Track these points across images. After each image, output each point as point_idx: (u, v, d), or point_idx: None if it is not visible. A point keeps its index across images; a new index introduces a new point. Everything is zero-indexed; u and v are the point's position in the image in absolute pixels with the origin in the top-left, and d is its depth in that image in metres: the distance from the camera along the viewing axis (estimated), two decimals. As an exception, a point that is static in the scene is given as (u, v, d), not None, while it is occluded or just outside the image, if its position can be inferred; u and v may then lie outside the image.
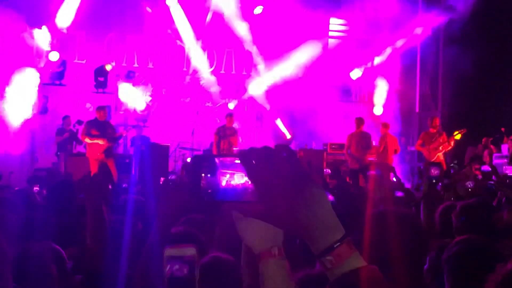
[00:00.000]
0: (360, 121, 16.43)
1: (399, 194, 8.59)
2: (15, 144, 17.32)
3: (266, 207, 1.51)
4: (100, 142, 14.88)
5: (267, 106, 19.89)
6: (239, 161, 1.55)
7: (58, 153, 16.43)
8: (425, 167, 14.48)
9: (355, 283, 1.42)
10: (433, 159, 15.91)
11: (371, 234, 2.82)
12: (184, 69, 20.10)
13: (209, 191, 1.58)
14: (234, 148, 16.14)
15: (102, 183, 4.70)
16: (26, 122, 17.28)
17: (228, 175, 1.59)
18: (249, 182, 1.53)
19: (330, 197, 8.11)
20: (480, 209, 5.41)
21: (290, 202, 1.48)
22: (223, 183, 1.59)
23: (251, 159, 1.52)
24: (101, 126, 15.04)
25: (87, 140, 14.97)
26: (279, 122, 20.02)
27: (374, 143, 16.69)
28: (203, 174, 1.59)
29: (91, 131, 14.95)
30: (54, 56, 17.62)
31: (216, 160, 1.61)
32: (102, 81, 18.36)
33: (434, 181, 7.63)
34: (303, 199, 1.47)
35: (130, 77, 18.85)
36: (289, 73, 19.72)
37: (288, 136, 19.81)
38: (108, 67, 18.05)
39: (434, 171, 7.87)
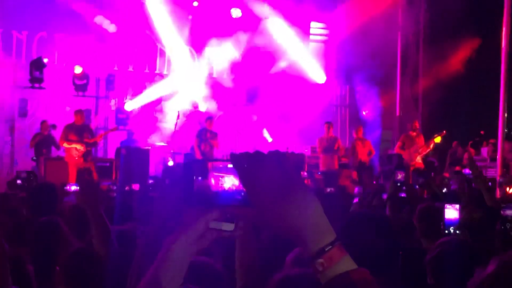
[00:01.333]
0: (329, 125, 16.84)
1: (403, 194, 8.69)
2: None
3: (258, 211, 1.53)
4: (78, 147, 14.86)
5: (254, 117, 19.95)
6: (231, 165, 1.58)
7: (35, 157, 16.32)
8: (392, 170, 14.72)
9: (346, 285, 1.44)
10: (413, 162, 16.09)
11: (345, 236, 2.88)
12: (165, 72, 20.03)
13: (201, 194, 1.61)
14: (215, 150, 16.29)
15: (98, 187, 4.73)
16: (6, 125, 17.24)
17: (220, 179, 1.62)
18: (240, 186, 1.56)
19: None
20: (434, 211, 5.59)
21: (282, 205, 1.49)
22: (215, 187, 1.62)
23: (243, 163, 1.54)
24: (79, 130, 15.02)
25: (65, 145, 15.01)
26: (266, 134, 20.09)
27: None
28: (195, 177, 1.62)
29: (69, 135, 14.96)
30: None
31: (209, 164, 1.63)
32: (81, 84, 18.30)
33: (399, 184, 7.84)
34: (294, 203, 1.49)
35: (110, 81, 18.81)
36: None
37: (270, 139, 19.85)
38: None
39: (400, 175, 8.07)
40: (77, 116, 15.18)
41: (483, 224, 5.17)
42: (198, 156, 16.11)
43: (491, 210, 5.70)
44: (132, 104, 18.95)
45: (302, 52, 20.41)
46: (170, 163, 16.89)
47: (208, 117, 16.96)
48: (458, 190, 8.09)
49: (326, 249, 1.48)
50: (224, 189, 1.61)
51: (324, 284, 1.47)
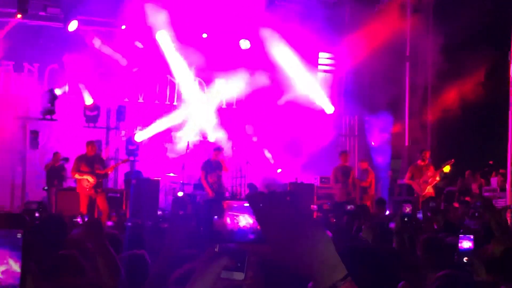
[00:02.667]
0: (345, 154, 16.82)
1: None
2: (6, 178, 17.46)
3: (273, 247, 1.60)
4: (89, 178, 14.96)
5: (254, 138, 20.04)
6: (247, 204, 1.69)
7: (45, 188, 16.45)
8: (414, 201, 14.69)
9: None
10: (423, 193, 16.07)
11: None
12: (175, 103, 20.20)
13: (219, 233, 1.73)
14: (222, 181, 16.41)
15: (99, 222, 4.79)
16: (17, 156, 17.43)
17: (235, 218, 1.74)
18: (254, 224, 1.67)
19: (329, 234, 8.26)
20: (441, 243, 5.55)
21: (294, 242, 1.56)
22: (231, 225, 1.74)
23: (259, 203, 1.63)
24: (90, 161, 15.13)
25: (77, 176, 15.09)
26: (267, 154, 20.15)
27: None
28: (215, 217, 1.74)
29: (81, 166, 15.06)
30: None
31: (224, 203, 1.76)
32: (92, 115, 18.50)
33: (406, 219, 7.72)
34: (306, 240, 1.56)
35: (120, 112, 18.98)
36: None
37: (279, 170, 19.89)
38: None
39: (407, 208, 8.00)
40: (89, 147, 15.28)
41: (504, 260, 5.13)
42: (208, 190, 16.15)
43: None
44: (142, 135, 19.08)
45: (310, 83, 20.53)
46: (180, 194, 16.96)
47: (215, 148, 17.03)
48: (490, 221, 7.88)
49: (337, 285, 1.55)
50: (239, 227, 1.73)
51: None
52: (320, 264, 1.56)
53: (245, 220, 1.75)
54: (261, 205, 1.63)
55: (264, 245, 1.65)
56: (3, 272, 1.92)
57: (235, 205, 1.76)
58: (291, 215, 1.60)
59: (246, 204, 1.68)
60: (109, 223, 9.95)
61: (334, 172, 17.00)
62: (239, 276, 1.84)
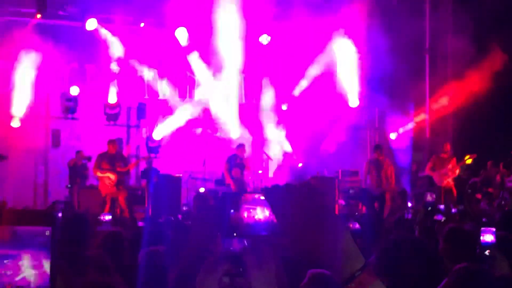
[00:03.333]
0: (379, 148, 16.61)
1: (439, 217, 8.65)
2: (28, 178, 17.63)
3: (291, 240, 1.61)
4: (111, 176, 15.06)
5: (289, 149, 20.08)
6: (263, 198, 1.72)
7: (69, 185, 16.60)
8: (422, 193, 14.63)
9: None
10: (444, 184, 16.03)
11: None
12: (196, 99, 20.17)
13: (236, 226, 1.76)
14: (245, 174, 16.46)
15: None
16: (40, 156, 17.60)
17: (251, 210, 1.77)
18: (270, 216, 1.70)
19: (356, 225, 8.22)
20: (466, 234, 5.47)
21: (313, 234, 1.57)
22: (247, 219, 1.76)
23: (275, 195, 1.64)
24: (112, 159, 15.24)
25: (98, 173, 15.21)
26: (289, 149, 20.11)
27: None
28: (232, 211, 1.77)
29: (102, 164, 15.17)
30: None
31: (241, 197, 1.78)
32: (113, 113, 18.62)
33: (429, 208, 7.59)
34: (325, 231, 1.58)
35: (141, 109, 19.06)
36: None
37: (300, 164, 19.85)
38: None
39: (430, 197, 7.88)
40: (110, 146, 15.37)
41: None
42: (228, 180, 16.24)
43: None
44: (159, 132, 19.08)
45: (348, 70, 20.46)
46: (202, 189, 17.03)
47: (240, 144, 17.04)
48: None
49: (356, 275, 1.56)
50: (255, 220, 1.76)
51: None
52: (339, 255, 1.57)
53: (261, 213, 1.77)
54: (277, 198, 1.64)
55: (282, 238, 1.68)
56: (35, 275, 1.96)
57: (252, 198, 1.79)
58: (309, 207, 1.61)
59: (263, 197, 1.70)
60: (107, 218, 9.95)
61: (367, 165, 16.82)
62: (240, 281, 1.87)
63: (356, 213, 14.50)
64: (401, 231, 7.87)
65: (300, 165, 19.69)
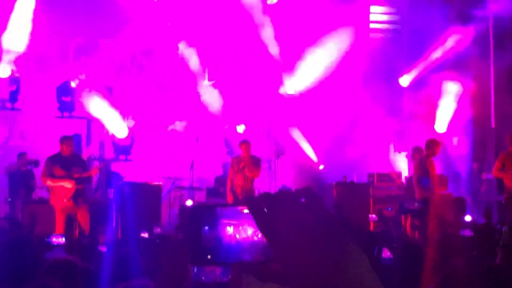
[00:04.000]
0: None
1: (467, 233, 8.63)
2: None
3: (284, 267, 1.55)
4: (67, 184, 14.65)
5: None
6: (247, 211, 1.66)
7: (10, 199, 16.50)
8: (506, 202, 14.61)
9: None
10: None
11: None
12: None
13: (211, 249, 1.72)
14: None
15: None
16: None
17: (232, 228, 1.73)
18: (259, 236, 1.64)
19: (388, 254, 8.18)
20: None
21: (314, 260, 1.51)
22: (227, 239, 1.73)
23: (263, 207, 1.58)
24: (67, 163, 14.79)
25: (49, 182, 14.72)
26: (306, 147, 20.14)
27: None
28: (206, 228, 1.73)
29: (54, 170, 14.72)
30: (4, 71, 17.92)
31: (218, 209, 1.74)
32: (68, 101, 18.47)
33: None
34: (331, 256, 1.51)
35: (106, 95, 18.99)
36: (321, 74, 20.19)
37: (321, 167, 19.86)
38: (74, 83, 18.15)
39: None
40: (63, 145, 14.92)
41: None
42: (230, 197, 16.19)
43: None
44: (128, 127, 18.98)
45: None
46: (189, 202, 16.99)
47: (243, 140, 16.87)
48: None
49: None
50: (237, 240, 1.72)
51: None
52: (347, 285, 1.50)
53: (246, 231, 1.74)
54: (265, 210, 1.57)
55: (273, 264, 1.60)
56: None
57: (233, 212, 1.75)
58: (309, 222, 1.55)
59: (246, 211, 1.64)
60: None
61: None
62: None
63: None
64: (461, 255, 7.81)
65: (321, 167, 19.70)
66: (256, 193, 16.91)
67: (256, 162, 16.50)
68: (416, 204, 15.24)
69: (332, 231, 1.55)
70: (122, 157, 18.23)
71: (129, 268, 6.00)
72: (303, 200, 1.58)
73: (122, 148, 18.55)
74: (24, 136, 18.25)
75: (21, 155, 16.93)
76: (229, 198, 16.08)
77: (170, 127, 19.61)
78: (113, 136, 18.84)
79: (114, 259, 6.97)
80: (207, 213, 1.66)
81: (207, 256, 1.63)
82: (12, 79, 18.00)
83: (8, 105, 18.04)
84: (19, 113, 18.51)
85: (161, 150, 19.25)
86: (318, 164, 19.81)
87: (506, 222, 12.67)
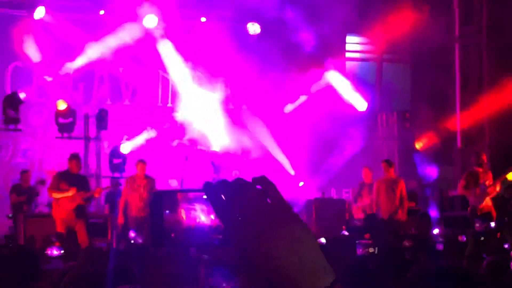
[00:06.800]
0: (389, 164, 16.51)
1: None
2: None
3: (239, 250, 1.55)
4: (70, 193, 14.72)
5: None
6: (205, 196, 1.62)
7: (11, 215, 16.42)
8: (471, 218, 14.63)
9: None
10: (481, 206, 15.93)
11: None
12: (169, 104, 20.26)
13: (172, 234, 1.69)
14: None
15: None
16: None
17: (192, 212, 1.72)
18: (217, 221, 1.62)
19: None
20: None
21: (267, 243, 1.51)
22: (187, 222, 1.71)
23: (220, 193, 1.58)
24: (73, 180, 14.87)
25: (55, 195, 14.79)
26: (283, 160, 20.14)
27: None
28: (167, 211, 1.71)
29: (60, 185, 14.80)
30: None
31: (178, 195, 1.71)
32: (67, 123, 18.48)
33: (482, 238, 7.55)
34: (284, 239, 1.51)
35: (101, 117, 18.97)
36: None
37: (301, 183, 19.84)
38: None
39: (480, 226, 7.86)
40: (72, 163, 15.04)
41: None
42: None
43: None
44: (130, 145, 19.00)
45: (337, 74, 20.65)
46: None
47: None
48: None
49: None
50: (197, 224, 1.71)
51: None
52: (302, 268, 1.51)
53: (205, 215, 1.73)
54: (222, 196, 1.58)
55: (230, 248, 1.59)
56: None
57: (192, 196, 1.73)
58: (264, 208, 1.55)
59: (205, 196, 1.62)
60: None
61: (376, 184, 16.71)
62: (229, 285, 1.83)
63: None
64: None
65: (301, 184, 19.67)
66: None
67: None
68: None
69: (285, 214, 1.54)
70: (116, 174, 18.17)
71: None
72: (258, 187, 1.58)
73: (117, 166, 18.54)
74: (26, 155, 18.16)
75: (24, 172, 16.91)
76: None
77: (175, 142, 19.53)
78: (110, 154, 18.85)
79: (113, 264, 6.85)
80: (168, 198, 1.61)
81: (167, 238, 1.59)
82: (15, 101, 18.00)
83: (11, 126, 18.00)
84: (21, 133, 18.41)
85: (153, 167, 19.14)
86: (298, 180, 19.76)
87: (470, 234, 12.69)
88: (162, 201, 1.71)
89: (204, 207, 1.53)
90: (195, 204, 1.52)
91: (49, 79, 18.93)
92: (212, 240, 1.69)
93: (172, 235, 1.70)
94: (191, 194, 1.72)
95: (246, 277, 1.80)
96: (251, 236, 1.52)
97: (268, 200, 1.56)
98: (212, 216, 1.63)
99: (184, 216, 1.55)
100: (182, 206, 1.56)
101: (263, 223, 1.53)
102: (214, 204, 1.58)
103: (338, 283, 1.50)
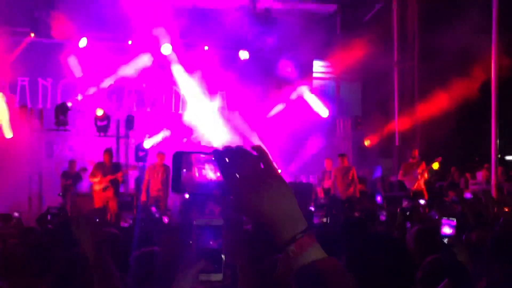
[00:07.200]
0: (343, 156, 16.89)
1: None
2: (23, 187, 17.47)
3: (236, 200, 1.54)
4: (98, 179, 15.00)
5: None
6: (214, 159, 1.61)
7: (61, 193, 16.45)
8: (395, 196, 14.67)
9: (313, 275, 1.45)
10: (415, 188, 16.07)
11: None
12: (180, 111, 20.30)
13: (187, 184, 1.71)
14: None
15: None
16: (34, 166, 17.49)
17: (203, 170, 1.72)
18: (221, 177, 1.64)
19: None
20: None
21: (258, 194, 1.50)
22: (198, 178, 1.72)
23: (225, 157, 1.57)
24: (106, 169, 15.14)
25: (94, 179, 15.13)
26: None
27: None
28: (184, 170, 1.72)
29: (97, 173, 15.09)
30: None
31: (192, 156, 1.73)
32: (103, 125, 18.57)
33: (408, 213, 7.56)
34: (268, 192, 1.50)
35: (129, 121, 18.98)
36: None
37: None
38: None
39: (408, 204, 7.83)
40: (105, 155, 15.31)
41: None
42: None
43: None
44: (150, 142, 19.06)
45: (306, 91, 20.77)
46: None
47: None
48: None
49: (297, 237, 1.49)
50: (207, 179, 1.72)
51: (295, 271, 1.48)
52: (281, 216, 1.51)
53: (212, 173, 1.73)
54: (227, 160, 1.57)
55: (229, 197, 1.58)
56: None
57: (203, 158, 1.74)
58: (256, 169, 1.55)
59: (214, 158, 1.65)
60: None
61: (334, 172, 16.97)
62: (217, 277, 1.82)
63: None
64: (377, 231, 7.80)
65: (279, 171, 19.65)
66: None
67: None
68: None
69: (272, 174, 1.55)
70: (140, 163, 18.21)
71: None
72: (255, 153, 1.59)
73: (141, 158, 18.57)
74: (73, 149, 18.21)
75: (71, 161, 16.97)
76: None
77: (184, 140, 19.51)
78: (136, 147, 18.82)
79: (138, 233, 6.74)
80: (185, 158, 1.63)
81: (183, 188, 1.61)
82: (64, 108, 18.06)
83: (61, 127, 18.19)
84: (69, 133, 18.48)
85: (167, 158, 19.08)
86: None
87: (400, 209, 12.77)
88: (181, 160, 1.73)
89: (212, 167, 1.54)
90: (206, 164, 1.53)
91: (80, 97, 19.00)
92: (217, 191, 1.69)
93: (187, 185, 1.71)
94: (203, 157, 1.73)
95: (228, 236, 1.80)
96: (246, 189, 1.52)
97: (261, 164, 1.57)
98: (218, 174, 1.64)
99: (197, 174, 1.56)
100: (195, 165, 1.58)
101: (256, 180, 1.53)
102: (221, 166, 1.59)
103: (309, 229, 1.51)
